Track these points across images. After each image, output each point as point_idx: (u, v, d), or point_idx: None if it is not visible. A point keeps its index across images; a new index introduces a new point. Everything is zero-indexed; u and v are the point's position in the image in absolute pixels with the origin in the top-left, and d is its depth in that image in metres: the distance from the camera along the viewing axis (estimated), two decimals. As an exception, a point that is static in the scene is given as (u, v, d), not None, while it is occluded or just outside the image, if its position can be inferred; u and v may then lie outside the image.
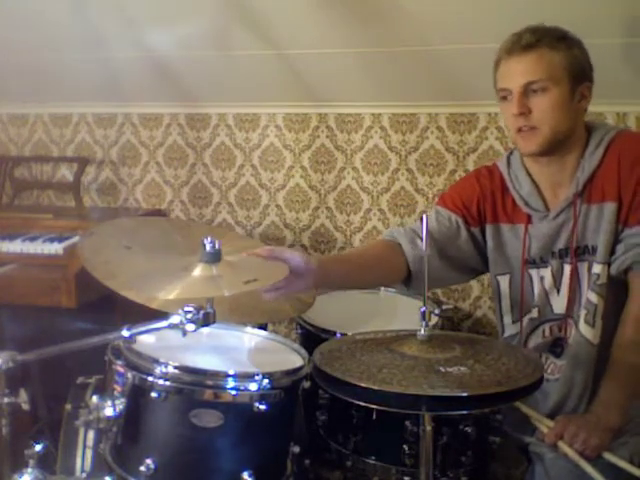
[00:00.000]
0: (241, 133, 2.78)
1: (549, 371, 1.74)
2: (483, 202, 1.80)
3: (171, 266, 1.58)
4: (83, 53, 2.58)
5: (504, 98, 1.66)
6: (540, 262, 1.74)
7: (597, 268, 1.66)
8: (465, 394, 1.21)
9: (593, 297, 1.67)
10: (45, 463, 1.48)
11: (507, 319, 1.82)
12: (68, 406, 1.81)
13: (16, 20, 2.45)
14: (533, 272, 1.76)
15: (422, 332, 1.40)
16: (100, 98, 2.85)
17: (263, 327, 1.99)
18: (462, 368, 1.30)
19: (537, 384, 1.29)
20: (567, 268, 1.71)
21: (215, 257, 1.53)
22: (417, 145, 2.58)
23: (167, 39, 2.44)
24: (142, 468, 1.52)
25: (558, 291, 1.73)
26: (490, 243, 1.80)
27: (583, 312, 1.68)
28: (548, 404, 1.72)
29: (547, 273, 1.73)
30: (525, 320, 1.78)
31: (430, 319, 1.44)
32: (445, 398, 1.22)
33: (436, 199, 2.55)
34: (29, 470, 1.41)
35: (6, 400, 1.37)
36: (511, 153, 1.82)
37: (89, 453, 1.79)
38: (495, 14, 2.10)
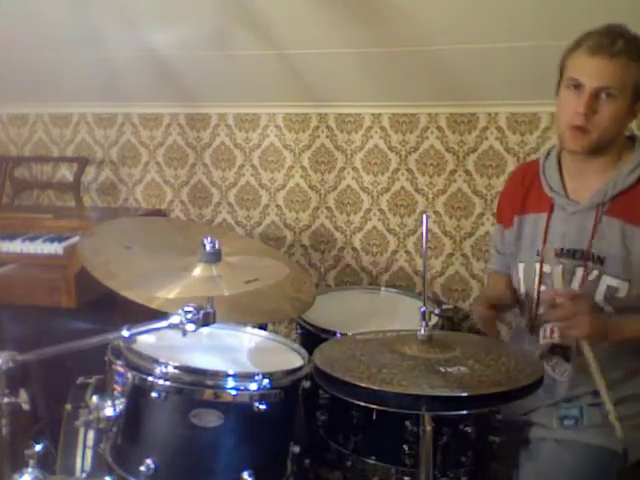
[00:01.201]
0: (241, 133, 2.78)
1: (556, 371, 1.76)
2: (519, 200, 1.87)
3: (171, 266, 1.59)
4: (83, 53, 2.58)
5: (571, 87, 1.66)
6: (553, 258, 1.75)
7: (613, 282, 1.69)
8: (465, 394, 1.21)
9: (609, 309, 1.69)
10: (45, 463, 1.48)
11: (524, 307, 1.84)
12: (68, 406, 1.81)
13: (16, 20, 2.45)
14: (546, 267, 1.77)
15: (422, 332, 1.40)
16: (100, 98, 2.84)
17: (263, 327, 1.99)
18: (462, 368, 1.30)
19: (537, 384, 1.29)
20: (579, 272, 1.72)
21: (215, 257, 1.53)
22: (417, 145, 2.58)
23: (167, 39, 2.43)
24: (142, 468, 1.52)
25: None
26: (515, 231, 1.85)
27: None
28: (555, 398, 1.75)
29: (558, 271, 1.74)
30: (539, 315, 1.79)
31: (430, 319, 1.44)
32: (445, 398, 1.22)
33: (436, 199, 2.57)
34: (29, 470, 1.41)
35: (6, 400, 1.37)
36: (553, 147, 1.87)
37: (89, 453, 1.79)
38: (495, 14, 2.10)
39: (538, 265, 1.78)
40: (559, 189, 1.78)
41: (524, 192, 1.86)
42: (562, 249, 1.74)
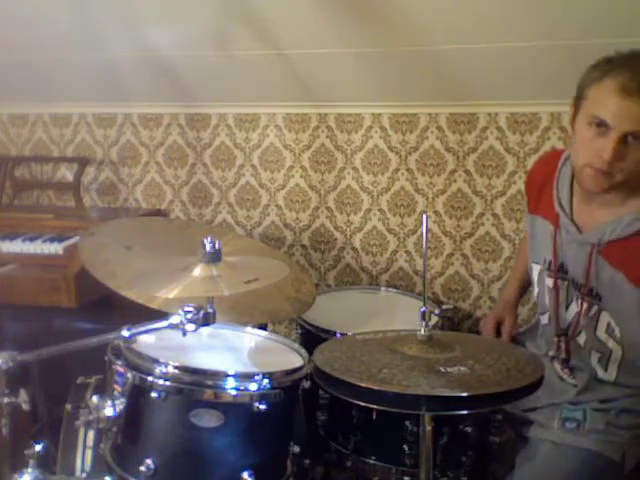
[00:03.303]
0: (241, 133, 2.78)
1: (565, 376, 1.76)
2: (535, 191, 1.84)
3: (171, 266, 1.59)
4: (83, 53, 2.58)
5: (593, 125, 1.50)
6: (558, 272, 1.73)
7: (612, 320, 1.65)
8: (465, 394, 1.21)
9: (610, 343, 1.67)
10: (45, 463, 1.48)
11: (540, 308, 1.83)
12: (68, 406, 1.81)
13: (16, 20, 2.45)
14: (550, 280, 1.75)
15: (422, 332, 1.40)
16: (100, 98, 2.84)
17: (263, 327, 1.99)
18: (462, 368, 1.30)
19: (537, 384, 1.29)
20: (577, 298, 1.70)
21: (215, 257, 1.53)
22: (417, 145, 2.58)
23: (167, 39, 2.43)
24: (142, 468, 1.52)
25: (567, 307, 1.73)
26: (529, 228, 1.84)
27: (596, 355, 1.70)
28: (561, 399, 1.74)
29: (563, 286, 1.73)
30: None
31: (430, 319, 1.44)
32: (445, 398, 1.22)
33: (436, 199, 2.57)
34: (29, 470, 1.41)
35: (6, 400, 1.37)
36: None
37: (89, 453, 1.78)
38: (495, 14, 2.10)
39: (548, 279, 1.75)
40: (566, 206, 1.70)
41: (540, 186, 1.79)
42: (568, 266, 1.70)
